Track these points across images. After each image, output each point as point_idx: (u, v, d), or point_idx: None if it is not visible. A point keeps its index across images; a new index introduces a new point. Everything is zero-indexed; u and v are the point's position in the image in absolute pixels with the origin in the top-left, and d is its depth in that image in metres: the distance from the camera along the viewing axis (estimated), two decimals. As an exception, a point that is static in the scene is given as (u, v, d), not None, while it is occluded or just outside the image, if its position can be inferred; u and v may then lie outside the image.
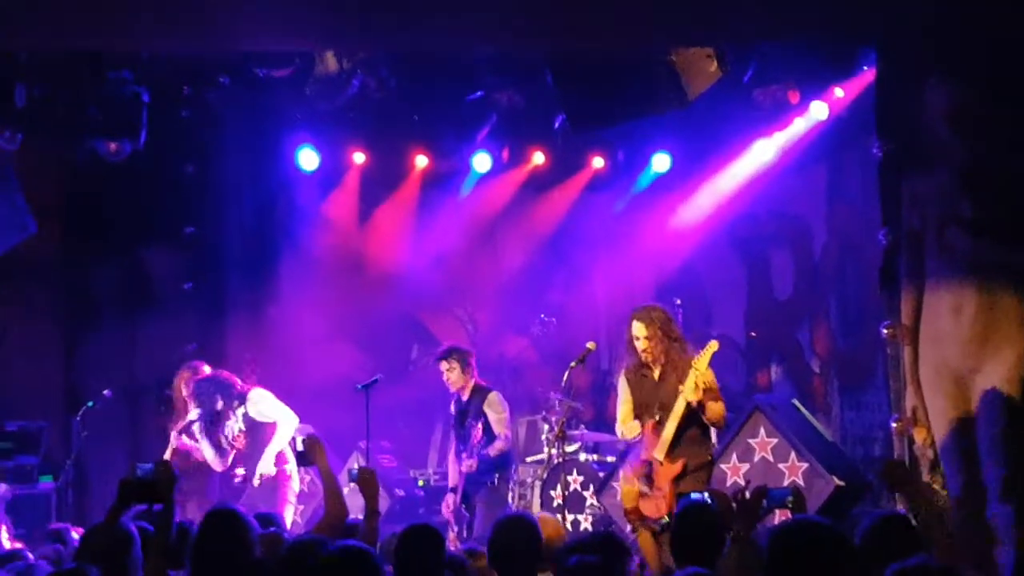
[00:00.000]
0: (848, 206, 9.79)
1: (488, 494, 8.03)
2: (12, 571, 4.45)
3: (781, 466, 8.12)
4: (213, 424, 7.99)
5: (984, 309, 5.95)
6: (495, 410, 7.99)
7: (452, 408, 8.23)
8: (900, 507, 6.67)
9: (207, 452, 7.96)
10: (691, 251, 10.69)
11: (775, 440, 8.19)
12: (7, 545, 6.54)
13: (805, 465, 8.04)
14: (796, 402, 8.88)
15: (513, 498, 10.50)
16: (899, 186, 6.44)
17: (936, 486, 6.39)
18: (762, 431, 8.25)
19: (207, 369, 8.27)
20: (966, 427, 6.07)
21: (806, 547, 3.09)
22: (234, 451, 8.01)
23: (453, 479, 8.14)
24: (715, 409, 6.58)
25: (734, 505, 4.33)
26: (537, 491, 9.38)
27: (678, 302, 9.68)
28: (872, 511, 4.41)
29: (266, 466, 7.91)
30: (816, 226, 10.37)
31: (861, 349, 9.53)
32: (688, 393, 6.49)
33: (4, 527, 6.98)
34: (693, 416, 6.59)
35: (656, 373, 6.75)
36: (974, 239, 6.02)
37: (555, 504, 8.72)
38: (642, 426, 6.72)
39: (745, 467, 8.21)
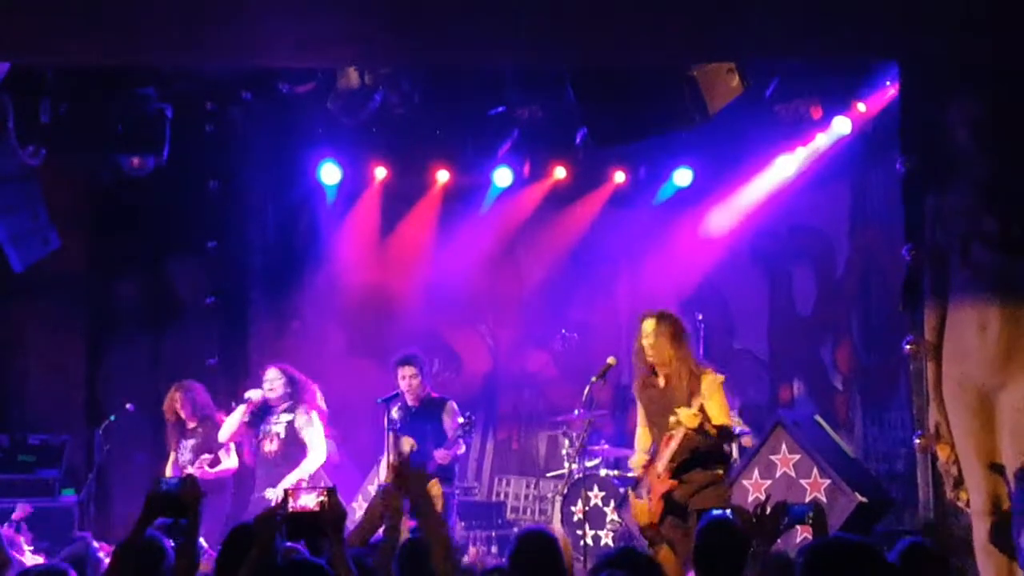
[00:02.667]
0: (871, 222, 9.76)
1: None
2: None
3: (803, 482, 8.07)
4: (257, 416, 8.05)
5: (1009, 325, 5.92)
6: (452, 419, 7.91)
7: (395, 413, 8.10)
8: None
9: (227, 426, 8.03)
10: (713, 266, 10.67)
11: (797, 456, 8.15)
12: (28, 561, 6.55)
13: (827, 481, 7.99)
14: (818, 418, 8.83)
15: (532, 513, 10.50)
16: (923, 202, 6.43)
17: (961, 503, 6.35)
18: (784, 447, 8.21)
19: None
20: (990, 444, 6.03)
21: (842, 565, 3.04)
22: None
23: (383, 476, 7.92)
24: (713, 431, 6.39)
25: (754, 521, 4.31)
26: (558, 506, 9.36)
27: (700, 317, 9.67)
28: (900, 539, 4.37)
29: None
30: (839, 242, 10.33)
31: (884, 365, 9.48)
32: (684, 416, 6.33)
33: (24, 542, 7.00)
34: (700, 433, 6.44)
35: (662, 380, 6.64)
36: (999, 255, 6.00)
37: (575, 519, 8.69)
38: (657, 444, 6.62)
39: (767, 483, 8.17)
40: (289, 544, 4.25)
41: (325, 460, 8.10)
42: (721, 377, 6.53)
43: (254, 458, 8.22)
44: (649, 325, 6.62)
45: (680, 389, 6.49)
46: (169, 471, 8.25)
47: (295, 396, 8.11)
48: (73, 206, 9.66)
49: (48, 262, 8.98)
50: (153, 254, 10.26)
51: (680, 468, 6.41)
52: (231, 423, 8.11)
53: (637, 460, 6.71)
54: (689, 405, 6.41)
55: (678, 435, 6.39)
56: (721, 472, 6.55)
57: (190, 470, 8.01)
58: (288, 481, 7.84)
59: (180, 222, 10.06)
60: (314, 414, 8.12)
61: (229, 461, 8.27)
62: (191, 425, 8.31)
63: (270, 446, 8.05)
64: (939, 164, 6.41)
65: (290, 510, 4.06)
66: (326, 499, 4.08)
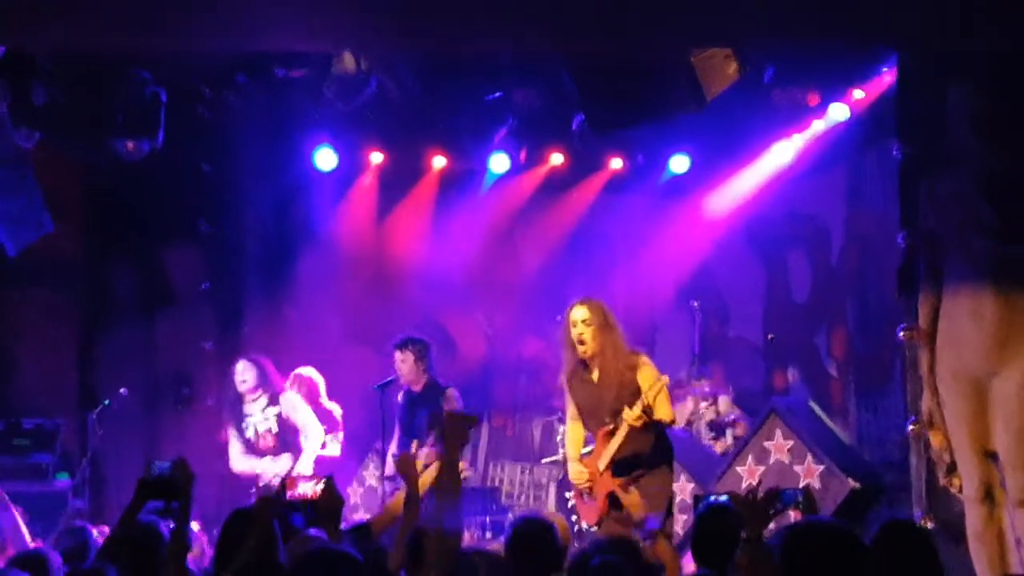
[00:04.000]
0: (867, 208, 9.76)
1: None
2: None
3: (797, 468, 8.09)
4: (233, 409, 8.06)
5: (1003, 313, 5.93)
6: (453, 406, 7.91)
7: (400, 398, 8.14)
8: (917, 511, 6.67)
9: (235, 446, 8.02)
10: (709, 253, 10.67)
11: (791, 442, 8.16)
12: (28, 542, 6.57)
13: (821, 467, 8.01)
14: (813, 404, 8.85)
15: (527, 498, 10.52)
16: (919, 189, 6.43)
17: (953, 490, 6.37)
18: (778, 433, 8.22)
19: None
20: (983, 431, 6.05)
21: (818, 548, 3.05)
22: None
23: (390, 468, 7.96)
24: (664, 416, 6.32)
25: (746, 506, 4.31)
26: (552, 492, 9.39)
27: (696, 304, 9.69)
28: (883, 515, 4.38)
29: (305, 469, 7.95)
30: (835, 228, 10.33)
31: (879, 352, 9.49)
32: (629, 419, 6.22)
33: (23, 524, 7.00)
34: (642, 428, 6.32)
35: (595, 375, 6.48)
36: (994, 242, 6.00)
37: (570, 505, 8.70)
38: (594, 435, 6.51)
39: (761, 469, 8.18)
40: (314, 532, 4.24)
41: (323, 428, 8.14)
42: (654, 371, 6.37)
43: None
44: (577, 314, 6.47)
45: (614, 383, 6.36)
46: (237, 446, 8.17)
47: (268, 385, 8.09)
48: (67, 190, 9.64)
49: (42, 246, 8.96)
50: (148, 239, 10.24)
51: (623, 465, 6.30)
52: (234, 443, 8.09)
53: (576, 473, 6.51)
54: (620, 398, 6.25)
55: (621, 432, 6.28)
56: (661, 458, 6.39)
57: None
58: (308, 458, 7.89)
59: (175, 207, 10.04)
60: (292, 395, 8.15)
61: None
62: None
63: (266, 443, 8.07)
64: (935, 151, 6.41)
65: (288, 498, 4.05)
66: (324, 487, 4.07)
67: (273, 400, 8.11)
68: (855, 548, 3.09)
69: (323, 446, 8.36)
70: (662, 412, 6.31)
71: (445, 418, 3.96)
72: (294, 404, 8.13)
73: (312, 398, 8.60)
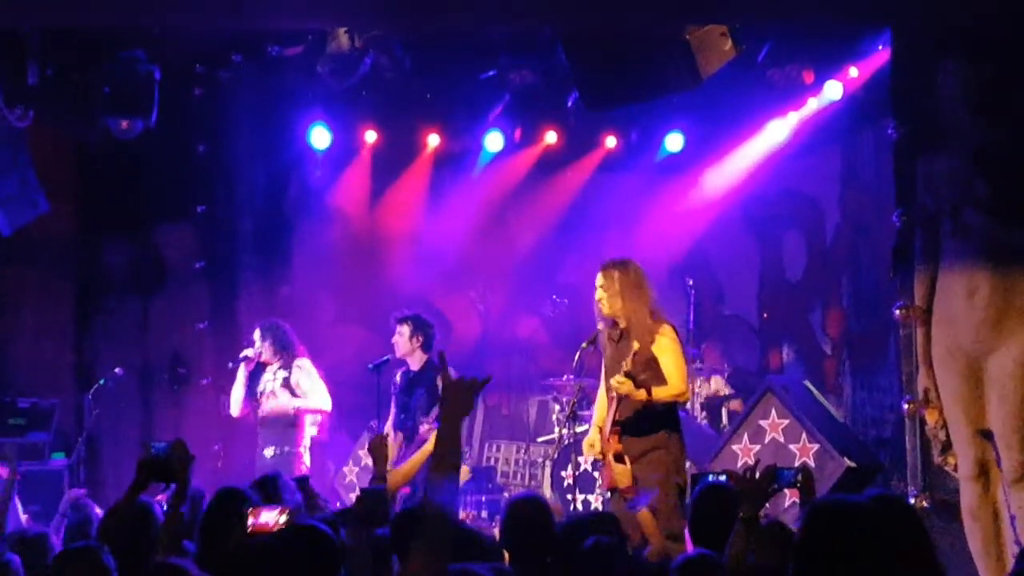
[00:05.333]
0: (862, 187, 9.76)
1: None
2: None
3: (792, 447, 8.10)
4: (254, 376, 8.11)
5: (998, 291, 5.92)
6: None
7: (398, 378, 8.15)
8: (912, 489, 6.69)
9: (236, 395, 8.05)
10: (704, 231, 10.67)
11: (786, 421, 8.18)
12: (22, 519, 6.58)
13: (816, 446, 8.03)
14: (808, 383, 8.86)
15: (523, 478, 10.53)
16: (914, 167, 6.41)
17: (948, 468, 6.38)
18: (773, 412, 8.23)
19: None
20: (978, 409, 6.05)
21: (843, 523, 2.98)
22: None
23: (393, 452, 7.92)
24: (661, 395, 6.20)
25: (742, 486, 4.31)
26: (547, 471, 9.40)
27: (690, 282, 9.69)
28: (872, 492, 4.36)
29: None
30: (829, 207, 10.33)
31: (873, 330, 9.50)
32: (617, 387, 6.16)
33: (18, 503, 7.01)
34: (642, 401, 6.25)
35: (618, 335, 6.42)
36: (989, 221, 5.99)
37: (566, 484, 8.73)
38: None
39: (756, 448, 8.20)
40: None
41: (329, 406, 8.15)
42: (672, 343, 6.30)
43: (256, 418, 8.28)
44: (599, 278, 6.43)
45: (632, 344, 6.25)
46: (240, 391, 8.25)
47: (287, 351, 8.16)
48: (62, 169, 9.60)
49: (36, 226, 8.94)
50: (142, 218, 10.20)
51: (625, 430, 6.21)
52: (238, 391, 8.15)
53: (589, 440, 6.53)
54: (635, 363, 6.15)
55: (613, 399, 6.24)
56: (664, 435, 6.28)
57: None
58: (296, 403, 7.90)
59: (169, 186, 10.00)
60: (306, 362, 8.18)
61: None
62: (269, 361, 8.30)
63: (268, 405, 8.11)
64: (930, 129, 6.39)
65: (249, 529, 3.94)
66: (288, 519, 3.94)
67: (286, 365, 8.16)
68: (883, 524, 3.04)
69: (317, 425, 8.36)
70: (669, 367, 6.23)
71: (445, 385, 3.62)
72: (304, 369, 8.17)
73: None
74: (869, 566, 2.94)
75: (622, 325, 6.41)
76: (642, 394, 6.17)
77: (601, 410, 6.56)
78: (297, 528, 3.73)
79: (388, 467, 7.65)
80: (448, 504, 3.25)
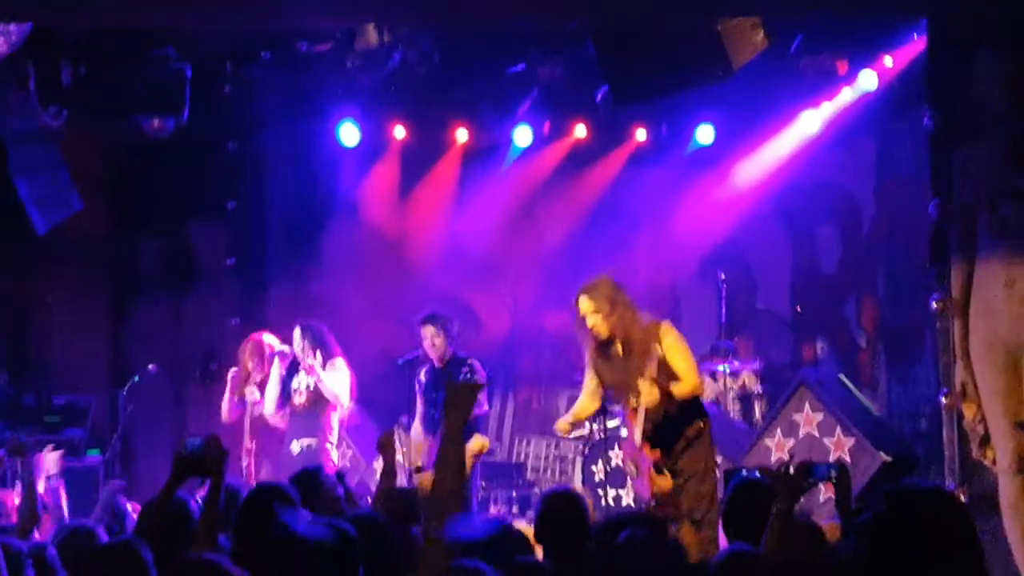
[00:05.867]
0: (897, 178, 9.67)
1: None
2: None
3: (827, 441, 8.05)
4: (288, 375, 8.13)
5: (1036, 282, 5.86)
6: (473, 376, 7.88)
7: (423, 375, 8.14)
8: (950, 483, 6.63)
9: (271, 393, 8.10)
10: (735, 224, 10.60)
11: (821, 415, 8.12)
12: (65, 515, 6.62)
13: (851, 440, 7.97)
14: (842, 376, 8.79)
15: (553, 473, 10.52)
16: (951, 157, 6.34)
17: (986, 461, 6.32)
18: (807, 406, 8.18)
19: (269, 338, 8.34)
20: (1017, 401, 5.99)
21: (922, 511, 2.94)
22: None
23: (421, 457, 7.85)
24: (680, 392, 6.25)
25: (777, 481, 4.27)
26: (579, 466, 9.38)
27: (722, 276, 9.63)
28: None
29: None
30: (864, 198, 10.25)
31: (909, 323, 9.43)
32: (645, 398, 6.21)
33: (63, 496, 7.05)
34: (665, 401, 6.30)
35: (619, 347, 6.40)
36: (1027, 210, 5.92)
37: (597, 479, 8.70)
38: (624, 415, 6.56)
39: (790, 442, 8.14)
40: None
41: (348, 402, 8.16)
42: (677, 340, 6.32)
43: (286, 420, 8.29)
44: (583, 306, 6.40)
45: (639, 353, 6.26)
46: (227, 405, 8.31)
47: (324, 350, 8.18)
48: (94, 168, 9.67)
49: (69, 224, 9.00)
50: (174, 215, 10.27)
51: (655, 436, 6.27)
52: (273, 389, 8.16)
53: (560, 423, 6.69)
54: (644, 371, 6.17)
55: (641, 409, 6.26)
56: (701, 425, 6.33)
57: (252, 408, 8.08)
58: (320, 375, 7.92)
59: (200, 183, 10.06)
60: (341, 362, 8.20)
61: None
62: (257, 379, 8.33)
63: (299, 399, 8.13)
64: (967, 119, 6.32)
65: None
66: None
67: (322, 364, 8.19)
68: (958, 514, 3.00)
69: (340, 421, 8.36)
70: (680, 365, 6.26)
71: (447, 387, 3.76)
72: (334, 365, 8.19)
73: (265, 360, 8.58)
74: (943, 553, 2.91)
75: (619, 338, 6.38)
76: (666, 401, 6.22)
77: (583, 409, 6.66)
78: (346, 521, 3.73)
79: (420, 462, 7.71)
80: (450, 537, 3.30)
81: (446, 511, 3.37)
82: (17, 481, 7.40)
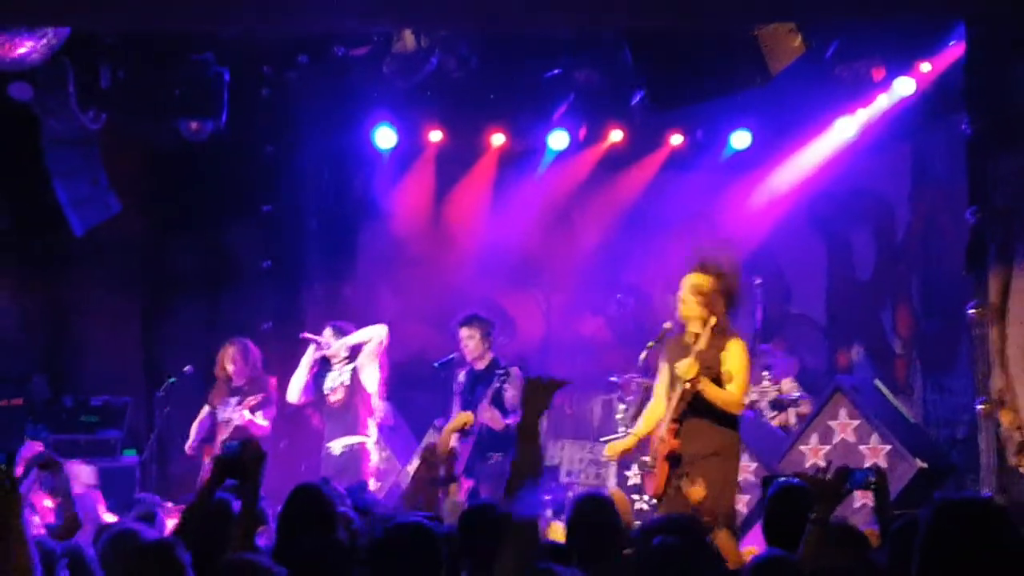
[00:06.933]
0: (934, 184, 9.61)
1: (489, 469, 7.85)
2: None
3: (862, 448, 8.00)
4: (320, 374, 8.20)
5: (1077, 290, 5.81)
6: (515, 386, 7.85)
7: (462, 377, 8.15)
8: (986, 491, 6.58)
9: (297, 379, 8.17)
10: (771, 230, 10.55)
11: (856, 422, 8.07)
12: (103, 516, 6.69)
13: (887, 447, 7.91)
14: (878, 383, 8.73)
15: (587, 477, 10.50)
16: (988, 164, 6.31)
17: (1023, 469, 6.27)
18: (843, 412, 8.13)
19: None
20: (1056, 410, 5.94)
21: (973, 526, 2.92)
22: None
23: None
24: (720, 397, 6.06)
25: (815, 487, 4.25)
26: (612, 471, 9.37)
27: (757, 281, 9.58)
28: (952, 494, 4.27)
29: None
30: (900, 205, 10.18)
31: (945, 330, 9.35)
32: (682, 370, 6.02)
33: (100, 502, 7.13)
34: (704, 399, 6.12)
35: (690, 340, 6.21)
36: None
37: (630, 484, 8.69)
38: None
39: (825, 449, 8.10)
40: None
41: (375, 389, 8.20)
42: (740, 355, 6.13)
43: (322, 422, 8.35)
44: (694, 279, 6.23)
45: (702, 354, 6.09)
46: (195, 426, 8.38)
47: (355, 351, 8.25)
48: (132, 170, 9.74)
49: (107, 226, 9.09)
50: (210, 218, 10.33)
51: (685, 431, 6.09)
52: (300, 376, 8.22)
53: (615, 444, 6.46)
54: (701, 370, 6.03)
55: (676, 392, 6.10)
56: (725, 441, 6.13)
57: (237, 415, 8.14)
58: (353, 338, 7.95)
59: (237, 186, 10.12)
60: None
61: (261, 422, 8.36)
62: (239, 383, 8.41)
63: (335, 397, 8.18)
64: (1006, 126, 6.29)
65: None
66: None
67: (353, 358, 8.25)
68: (1006, 527, 2.98)
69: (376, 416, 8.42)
70: (732, 368, 6.08)
71: (525, 384, 3.70)
72: (363, 361, 8.25)
73: (255, 365, 8.63)
74: (996, 566, 2.89)
75: (695, 330, 6.23)
76: (703, 383, 6.02)
77: (649, 422, 6.40)
78: (404, 526, 3.76)
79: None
80: (533, 510, 3.29)
81: (525, 532, 3.35)
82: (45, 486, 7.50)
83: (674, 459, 6.08)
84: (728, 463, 6.16)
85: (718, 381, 6.10)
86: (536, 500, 3.37)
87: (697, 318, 6.19)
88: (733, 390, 6.11)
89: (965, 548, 2.89)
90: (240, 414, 8.16)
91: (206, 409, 8.54)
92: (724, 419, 6.15)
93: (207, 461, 8.20)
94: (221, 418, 8.39)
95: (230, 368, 8.43)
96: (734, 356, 6.14)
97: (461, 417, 7.70)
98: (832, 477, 4.23)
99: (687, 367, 6.02)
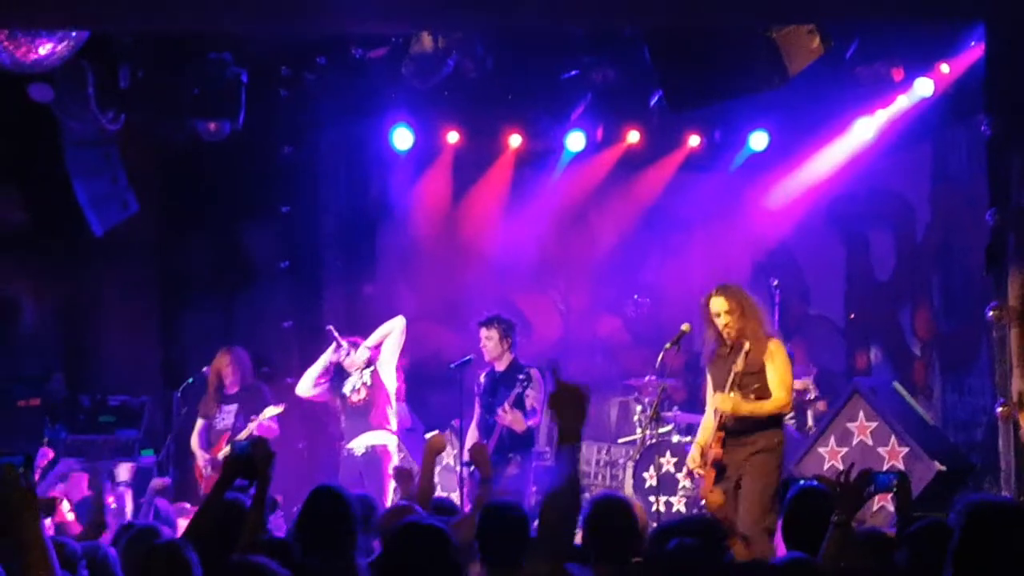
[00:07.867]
0: (954, 185, 9.56)
1: (509, 469, 7.84)
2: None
3: (881, 450, 7.97)
4: (337, 379, 8.21)
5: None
6: (536, 388, 7.86)
7: (482, 378, 8.14)
8: (1005, 494, 6.53)
9: (311, 372, 8.17)
10: (789, 231, 10.53)
11: (875, 423, 8.04)
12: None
13: (906, 449, 7.88)
14: (897, 385, 8.69)
15: (604, 479, 10.48)
16: (1009, 164, 6.27)
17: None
18: (861, 414, 8.10)
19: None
20: (1076, 412, 5.90)
21: (1007, 527, 2.90)
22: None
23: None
24: (764, 410, 6.31)
25: (837, 489, 4.23)
26: (629, 472, 9.35)
27: (775, 282, 9.54)
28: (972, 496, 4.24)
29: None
30: (919, 205, 10.14)
31: (964, 331, 9.31)
32: (721, 407, 6.31)
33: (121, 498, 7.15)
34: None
35: (730, 351, 6.47)
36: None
37: (647, 486, 8.67)
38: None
39: (844, 451, 8.07)
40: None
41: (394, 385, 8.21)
42: (781, 358, 6.41)
43: (339, 424, 8.35)
44: (716, 305, 6.47)
45: (745, 362, 6.36)
46: (196, 440, 8.41)
47: (373, 352, 8.27)
48: (151, 171, 9.78)
49: (126, 226, 9.11)
50: (228, 218, 10.36)
51: (735, 431, 6.32)
52: (315, 370, 8.22)
53: (692, 456, 6.59)
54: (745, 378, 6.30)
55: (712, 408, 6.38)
56: (770, 438, 6.35)
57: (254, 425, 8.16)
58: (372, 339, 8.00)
59: (255, 187, 10.14)
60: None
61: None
62: (232, 391, 8.44)
63: (357, 397, 8.17)
64: (1025, 125, 6.24)
65: None
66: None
67: (370, 363, 8.26)
68: None
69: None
70: (773, 377, 6.31)
71: (556, 390, 3.48)
72: (386, 357, 8.26)
73: (248, 372, 8.66)
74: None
75: (738, 342, 6.44)
76: (743, 409, 6.29)
77: (706, 430, 6.58)
78: (416, 524, 3.77)
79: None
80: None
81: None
82: (60, 484, 7.54)
83: (720, 466, 6.31)
84: (774, 459, 6.36)
85: (763, 384, 6.33)
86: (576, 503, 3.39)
87: (744, 332, 6.42)
88: (778, 391, 6.34)
89: (1001, 552, 2.87)
90: (255, 426, 8.18)
91: (201, 422, 8.54)
92: (768, 420, 6.38)
93: (209, 470, 8.26)
94: (219, 427, 8.40)
95: (227, 376, 8.46)
96: (775, 357, 6.39)
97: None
98: (855, 480, 4.21)
99: (722, 402, 6.30)
